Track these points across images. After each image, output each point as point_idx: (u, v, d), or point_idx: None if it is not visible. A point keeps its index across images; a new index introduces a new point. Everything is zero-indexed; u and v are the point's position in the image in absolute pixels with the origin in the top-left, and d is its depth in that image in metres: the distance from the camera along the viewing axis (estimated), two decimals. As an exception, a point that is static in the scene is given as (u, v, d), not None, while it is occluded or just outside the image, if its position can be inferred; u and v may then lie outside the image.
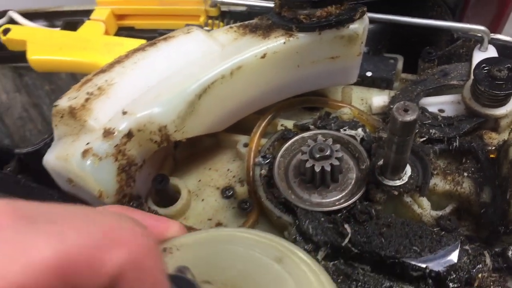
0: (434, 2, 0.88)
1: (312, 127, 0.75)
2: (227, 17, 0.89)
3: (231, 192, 0.72)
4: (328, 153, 0.66)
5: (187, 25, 0.86)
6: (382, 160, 0.66)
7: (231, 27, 0.72)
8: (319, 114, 0.77)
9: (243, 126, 0.76)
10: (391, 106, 0.76)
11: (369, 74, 0.84)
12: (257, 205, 0.69)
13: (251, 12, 0.88)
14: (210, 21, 0.88)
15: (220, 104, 0.67)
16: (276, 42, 0.67)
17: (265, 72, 0.68)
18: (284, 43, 0.67)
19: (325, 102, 0.80)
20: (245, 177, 0.72)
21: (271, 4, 0.86)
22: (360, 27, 0.68)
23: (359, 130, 0.73)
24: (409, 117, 0.55)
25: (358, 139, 0.72)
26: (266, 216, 0.69)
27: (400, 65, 0.86)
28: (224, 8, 0.89)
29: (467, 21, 0.91)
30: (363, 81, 0.83)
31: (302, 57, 0.69)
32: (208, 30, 0.76)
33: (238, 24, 0.73)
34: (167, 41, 0.69)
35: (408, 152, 0.61)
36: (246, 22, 0.73)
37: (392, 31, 0.86)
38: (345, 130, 0.74)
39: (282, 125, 0.77)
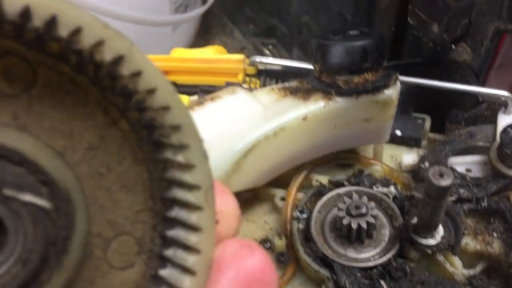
0: (458, 66, 0.93)
1: (346, 183, 0.79)
2: (264, 75, 0.95)
3: (269, 245, 0.75)
4: (364, 211, 0.69)
5: (227, 82, 0.93)
6: (415, 219, 0.70)
7: (272, 89, 0.78)
8: (352, 171, 0.82)
9: (279, 180, 0.80)
10: (421, 166, 0.80)
11: (398, 133, 0.88)
12: (295, 258, 0.72)
13: (286, 71, 0.94)
14: (247, 78, 0.94)
15: (263, 162, 0.72)
16: (316, 105, 0.72)
17: (306, 132, 0.73)
18: (324, 106, 0.72)
19: (357, 159, 0.84)
20: (282, 230, 0.76)
21: (304, 65, 0.92)
22: (394, 92, 0.73)
23: (391, 188, 0.77)
24: (445, 182, 0.59)
25: (391, 196, 0.76)
26: (303, 269, 0.72)
27: (427, 124, 0.90)
28: (261, 67, 0.95)
29: (490, 84, 0.96)
30: (392, 139, 0.88)
31: (339, 119, 0.74)
32: (247, 88, 0.82)
33: (279, 85, 0.79)
34: (214, 101, 0.75)
35: (442, 214, 0.65)
36: (286, 84, 0.78)
37: (419, 92, 0.91)
38: (377, 187, 0.78)
39: (317, 180, 0.81)
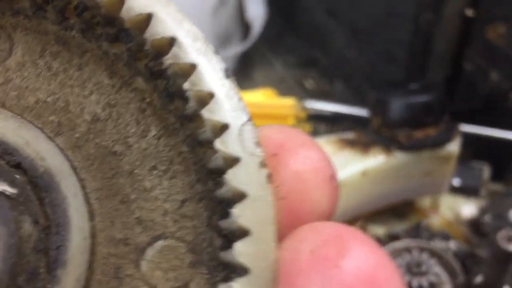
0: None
1: (403, 236, 0.77)
2: (314, 119, 0.95)
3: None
4: (425, 268, 0.68)
5: (279, 127, 0.92)
6: (479, 278, 0.67)
7: (329, 140, 0.77)
8: (408, 221, 0.80)
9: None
10: (482, 220, 0.78)
11: (456, 182, 0.86)
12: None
13: (335, 116, 0.94)
14: (298, 122, 0.94)
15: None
16: (376, 160, 0.71)
17: (364, 187, 0.72)
18: (384, 161, 0.71)
19: (414, 209, 0.82)
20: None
21: (353, 111, 0.92)
22: (455, 147, 0.72)
23: (451, 242, 0.75)
24: (515, 248, 0.57)
25: (451, 252, 0.74)
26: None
27: (486, 173, 0.88)
28: (311, 111, 0.95)
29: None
30: (450, 188, 0.86)
31: (399, 174, 0.73)
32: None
33: (335, 137, 0.78)
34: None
35: (509, 274, 0.63)
36: (343, 136, 0.78)
37: (477, 139, 0.89)
38: (436, 241, 0.76)
39: (373, 232, 0.79)
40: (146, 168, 0.22)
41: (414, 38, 0.94)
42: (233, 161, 0.21)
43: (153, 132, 0.22)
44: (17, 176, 0.20)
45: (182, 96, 0.21)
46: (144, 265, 0.21)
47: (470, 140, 0.90)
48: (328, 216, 0.22)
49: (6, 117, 0.21)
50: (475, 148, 0.89)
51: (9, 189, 0.19)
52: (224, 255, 0.21)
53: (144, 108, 0.22)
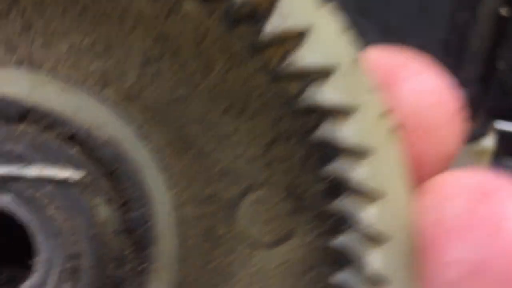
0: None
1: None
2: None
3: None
4: None
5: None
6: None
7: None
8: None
9: None
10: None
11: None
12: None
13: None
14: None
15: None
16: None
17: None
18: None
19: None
20: None
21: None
22: (490, 142, 0.73)
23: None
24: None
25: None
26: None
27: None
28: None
29: None
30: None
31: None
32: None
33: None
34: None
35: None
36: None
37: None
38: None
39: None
40: (218, 110, 0.18)
41: (449, 36, 0.95)
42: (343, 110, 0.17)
43: (218, 65, 0.18)
44: (73, 153, 0.16)
45: (251, 21, 0.17)
46: (238, 221, 0.18)
47: (504, 138, 0.90)
48: (453, 158, 0.19)
49: (42, 79, 0.17)
50: (509, 146, 0.89)
51: (73, 174, 0.15)
52: (331, 203, 0.18)
53: (200, 38, 0.17)
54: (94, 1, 0.17)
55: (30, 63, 0.17)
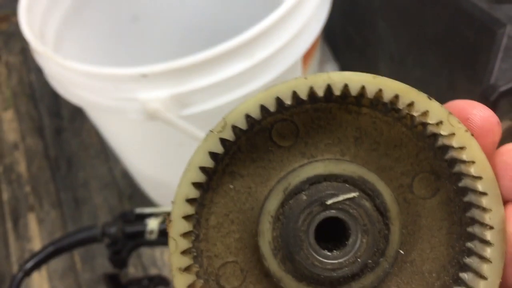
0: None
1: None
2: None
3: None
4: None
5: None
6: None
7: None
8: None
9: None
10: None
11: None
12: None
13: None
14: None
15: None
16: None
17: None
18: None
19: None
20: None
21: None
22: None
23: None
24: None
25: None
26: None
27: None
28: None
29: None
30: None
31: None
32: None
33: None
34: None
35: None
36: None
37: None
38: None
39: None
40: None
41: None
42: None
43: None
44: (351, 187, 0.32)
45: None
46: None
47: None
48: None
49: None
50: None
51: (354, 194, 0.31)
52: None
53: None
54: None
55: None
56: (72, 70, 0.91)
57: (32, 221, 1.62)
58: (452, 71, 0.87)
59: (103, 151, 1.74)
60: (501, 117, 0.70)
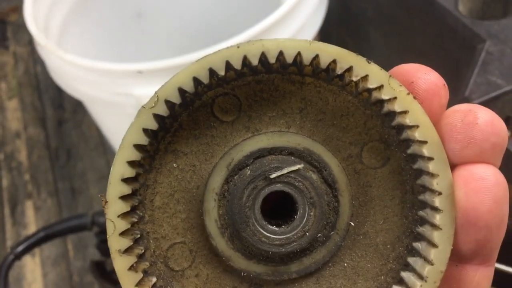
0: None
1: None
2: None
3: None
4: None
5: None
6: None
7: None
8: None
9: None
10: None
11: None
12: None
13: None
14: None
15: None
16: None
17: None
18: None
19: None
20: None
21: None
22: None
23: None
24: None
25: None
26: None
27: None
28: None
29: None
30: None
31: None
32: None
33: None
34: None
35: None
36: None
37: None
38: None
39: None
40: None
41: None
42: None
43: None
44: (296, 159, 0.31)
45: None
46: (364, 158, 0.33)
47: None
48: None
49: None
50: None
51: (299, 166, 0.31)
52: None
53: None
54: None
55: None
56: (71, 64, 0.94)
57: (29, 208, 1.66)
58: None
59: (102, 144, 1.78)
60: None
